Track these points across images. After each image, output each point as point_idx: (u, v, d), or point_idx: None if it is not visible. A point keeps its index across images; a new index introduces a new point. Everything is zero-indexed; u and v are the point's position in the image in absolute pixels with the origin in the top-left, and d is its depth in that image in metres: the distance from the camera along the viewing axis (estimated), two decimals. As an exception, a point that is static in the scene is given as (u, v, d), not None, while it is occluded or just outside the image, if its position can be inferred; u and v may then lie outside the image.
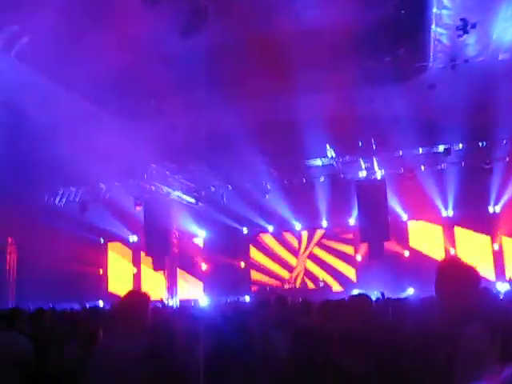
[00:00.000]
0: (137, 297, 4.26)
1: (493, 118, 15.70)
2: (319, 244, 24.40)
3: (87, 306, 16.05)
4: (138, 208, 20.92)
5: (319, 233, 24.40)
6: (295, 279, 24.12)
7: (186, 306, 15.30)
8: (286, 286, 23.52)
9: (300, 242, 24.74)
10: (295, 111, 15.41)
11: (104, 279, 26.01)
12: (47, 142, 14.98)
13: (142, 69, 13.24)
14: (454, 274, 3.07)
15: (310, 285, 23.69)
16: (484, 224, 21.82)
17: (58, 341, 4.51)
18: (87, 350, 4.21)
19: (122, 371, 3.47)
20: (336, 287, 23.24)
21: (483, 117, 15.49)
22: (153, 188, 20.85)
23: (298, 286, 23.40)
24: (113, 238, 25.57)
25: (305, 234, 24.65)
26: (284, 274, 24.58)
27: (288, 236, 24.88)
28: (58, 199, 21.55)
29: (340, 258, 23.99)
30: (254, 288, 24.17)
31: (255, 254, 25.32)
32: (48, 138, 14.87)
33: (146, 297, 4.24)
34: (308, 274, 24.25)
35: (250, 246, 25.43)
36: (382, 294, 13.45)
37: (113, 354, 3.72)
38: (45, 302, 13.26)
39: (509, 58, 12.66)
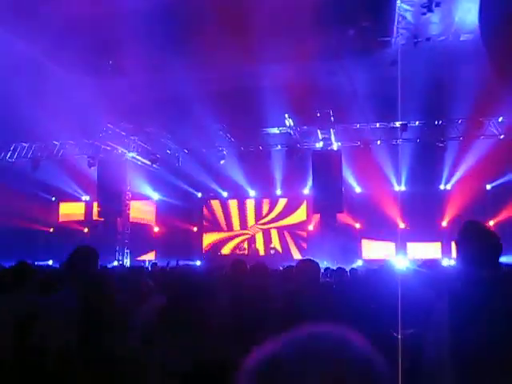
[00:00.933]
0: (85, 252, 4.27)
1: (450, 97, 15.95)
2: (274, 214, 24.56)
3: (36, 264, 15.89)
4: (91, 168, 20.60)
5: (279, 203, 24.56)
6: (246, 246, 24.25)
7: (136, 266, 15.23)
8: (238, 252, 23.68)
9: (254, 210, 24.85)
10: (256, 79, 15.34)
11: (55, 238, 25.66)
12: (0, 96, 14.56)
13: (101, 25, 12.92)
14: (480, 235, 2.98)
15: (261, 252, 23.88)
16: (434, 201, 22.27)
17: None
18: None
19: (60, 322, 3.48)
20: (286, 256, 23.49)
21: (441, 95, 15.74)
22: (108, 148, 20.54)
23: (248, 253, 23.52)
24: (65, 197, 25.19)
25: (258, 203, 24.77)
26: (236, 240, 24.72)
27: (241, 203, 24.96)
28: (9, 155, 21.03)
29: (291, 236, 24.27)
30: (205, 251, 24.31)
31: (208, 219, 25.35)
32: (1, 92, 14.45)
33: (93, 252, 4.27)
34: (260, 241, 24.44)
35: (204, 210, 25.44)
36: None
37: (53, 306, 3.74)
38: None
39: (470, 39, 12.82)
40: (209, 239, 25.17)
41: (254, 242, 24.38)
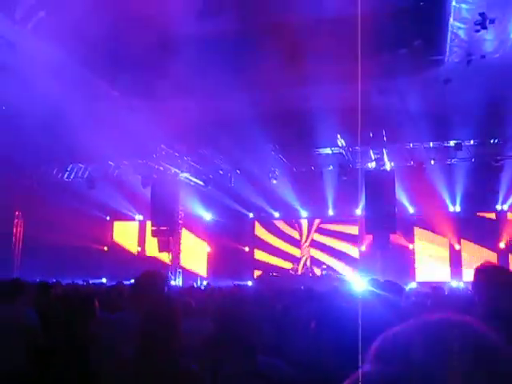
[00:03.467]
0: (154, 275, 4.35)
1: (505, 116, 15.62)
2: (324, 232, 24.42)
3: (90, 282, 16.20)
4: (145, 188, 20.96)
5: (317, 222, 24.43)
6: (299, 266, 24.11)
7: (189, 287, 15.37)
8: (291, 273, 23.55)
9: (305, 230, 24.77)
10: (307, 100, 15.37)
11: (108, 257, 26.14)
12: (59, 117, 15.00)
13: (158, 49, 13.22)
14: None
15: (317, 271, 23.71)
16: (492, 221, 21.77)
17: (67, 315, 4.57)
18: (95, 324, 4.28)
19: (119, 343, 3.53)
20: (340, 271, 23.29)
21: (496, 114, 15.42)
22: (161, 168, 20.87)
23: (300, 273, 23.34)
24: (119, 216, 25.67)
25: (307, 223, 24.67)
26: (288, 260, 24.63)
27: (294, 223, 24.92)
28: (66, 175, 21.62)
29: (344, 241, 24.08)
30: (256, 274, 24.28)
31: (260, 239, 25.36)
32: (60, 114, 14.89)
33: (162, 276, 4.34)
34: (313, 260, 24.30)
35: (256, 230, 25.48)
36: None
37: (114, 327, 3.80)
38: (49, 276, 13.35)
39: (525, 55, 12.56)
40: (261, 259, 25.13)
41: (307, 262, 24.27)
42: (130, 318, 3.74)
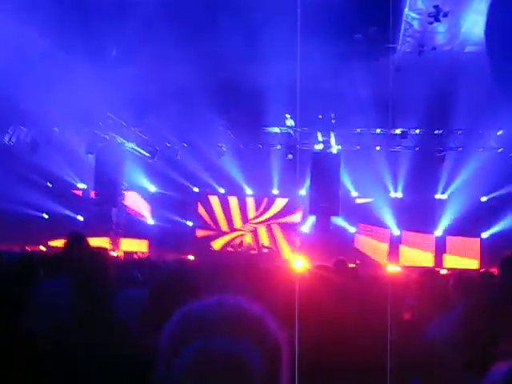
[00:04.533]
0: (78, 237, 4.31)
1: (452, 108, 15.99)
2: (272, 213, 24.49)
3: (28, 249, 15.89)
4: (89, 156, 20.56)
5: (278, 203, 24.47)
6: (239, 243, 24.17)
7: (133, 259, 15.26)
8: (230, 249, 23.60)
9: (249, 208, 24.79)
10: (259, 77, 15.34)
11: (48, 225, 25.57)
12: (1, 77, 14.51)
13: (106, 13, 12.91)
14: None
15: (255, 250, 23.81)
16: (429, 210, 22.28)
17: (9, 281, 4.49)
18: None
19: (55, 308, 3.49)
20: (281, 250, 23.50)
21: (442, 105, 15.78)
22: (107, 137, 20.48)
23: (240, 250, 23.39)
24: (61, 183, 25.06)
25: (253, 201, 24.70)
26: (229, 236, 24.67)
27: (238, 200, 24.88)
28: (7, 138, 20.95)
29: (286, 220, 24.16)
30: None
31: (203, 214, 25.25)
32: (2, 73, 14.40)
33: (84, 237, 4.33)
34: (254, 239, 24.38)
35: (199, 206, 25.34)
36: None
37: (49, 292, 3.76)
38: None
39: (475, 50, 12.85)
40: (202, 235, 25.07)
41: (246, 239, 24.35)
42: (65, 282, 3.71)
